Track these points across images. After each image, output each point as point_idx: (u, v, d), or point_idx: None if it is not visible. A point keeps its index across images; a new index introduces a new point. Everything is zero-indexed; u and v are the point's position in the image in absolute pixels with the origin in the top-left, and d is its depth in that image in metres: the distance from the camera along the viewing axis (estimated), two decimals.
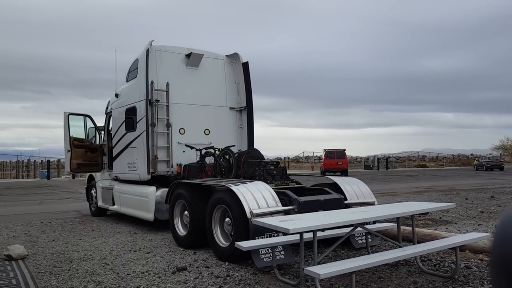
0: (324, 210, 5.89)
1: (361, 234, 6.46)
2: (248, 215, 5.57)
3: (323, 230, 4.60)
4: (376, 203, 7.09)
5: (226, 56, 9.90)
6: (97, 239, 7.80)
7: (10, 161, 45.43)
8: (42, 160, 43.08)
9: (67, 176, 32.64)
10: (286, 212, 5.85)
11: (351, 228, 5.16)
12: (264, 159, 7.95)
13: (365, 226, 5.51)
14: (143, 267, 5.78)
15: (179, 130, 9.05)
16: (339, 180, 7.25)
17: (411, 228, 5.58)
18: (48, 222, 9.89)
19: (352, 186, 7.07)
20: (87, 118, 11.20)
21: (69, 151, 10.53)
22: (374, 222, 6.45)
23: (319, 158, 49.81)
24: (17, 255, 6.19)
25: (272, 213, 5.70)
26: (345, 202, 6.65)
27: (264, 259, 5.35)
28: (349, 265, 4.19)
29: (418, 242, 5.54)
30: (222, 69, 9.75)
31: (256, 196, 5.85)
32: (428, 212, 9.44)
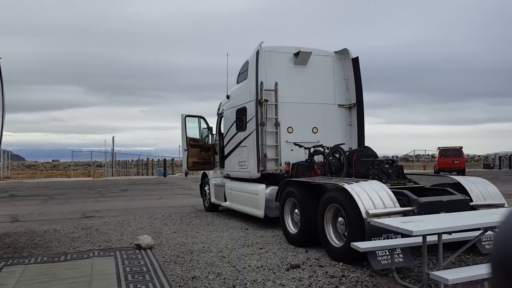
0: (446, 212, 5.47)
1: (488, 239, 5.88)
2: (364, 215, 5.40)
3: (449, 233, 4.27)
4: (506, 205, 6.40)
5: (335, 52, 9.73)
6: (212, 233, 8.21)
7: (132, 160, 50.18)
8: (158, 159, 46.79)
9: (180, 173, 34.99)
10: (405, 213, 5.56)
11: (480, 232, 4.72)
12: (378, 158, 7.66)
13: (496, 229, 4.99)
14: (258, 262, 5.94)
15: (287, 128, 9.13)
16: (463, 180, 6.69)
17: None
18: (169, 216, 10.70)
19: (478, 187, 6.47)
20: (201, 119, 11.86)
21: (186, 150, 11.26)
22: None
23: (432, 156, 46.63)
24: (145, 245, 6.79)
25: (389, 214, 5.45)
26: (471, 203, 6.11)
27: (382, 261, 5.13)
28: (481, 271, 3.83)
29: None
30: (331, 66, 9.61)
31: (371, 196, 5.66)
32: None
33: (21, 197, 17.12)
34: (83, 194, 17.90)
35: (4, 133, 6.22)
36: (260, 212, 8.59)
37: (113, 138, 39.27)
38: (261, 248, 6.81)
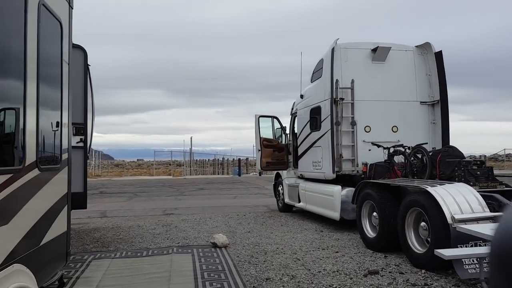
0: None
1: None
2: (449, 220, 5.02)
3: None
4: None
5: (416, 47, 9.20)
6: (286, 234, 8.15)
7: (208, 159, 51.74)
8: (233, 159, 47.76)
9: (255, 173, 35.43)
10: (495, 219, 5.06)
11: None
12: (465, 158, 7.10)
13: None
14: (333, 266, 5.77)
15: (365, 128, 8.80)
16: None
17: None
18: (243, 215, 10.83)
19: None
20: (274, 119, 11.87)
21: (259, 150, 11.33)
22: None
23: None
24: (220, 244, 6.91)
25: (477, 220, 5.02)
26: None
27: (469, 270, 4.73)
28: None
29: None
30: (412, 61, 9.10)
31: (457, 200, 5.24)
32: None
33: (109, 194, 18.37)
34: (164, 192, 18.77)
35: (94, 134, 6.68)
36: (335, 214, 8.38)
37: (191, 138, 40.86)
38: (337, 252, 6.61)
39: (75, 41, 6.59)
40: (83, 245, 7.27)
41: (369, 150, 8.61)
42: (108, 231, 8.59)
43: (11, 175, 2.76)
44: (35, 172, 3.14)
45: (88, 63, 7.39)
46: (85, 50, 6.15)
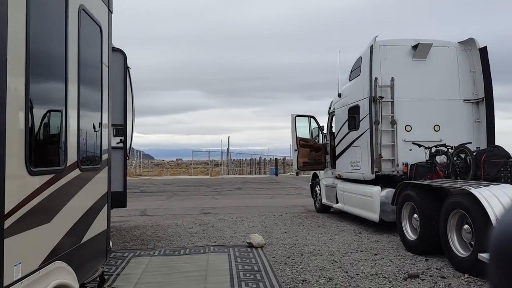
0: None
1: None
2: (494, 223, 4.77)
3: None
4: None
5: (459, 43, 8.85)
6: (323, 235, 8.04)
7: (245, 159, 52.02)
8: (270, 158, 47.77)
9: (292, 173, 35.31)
10: None
11: None
12: (511, 158, 6.75)
13: None
14: (372, 269, 5.63)
15: (405, 127, 8.55)
16: None
17: None
18: (280, 215, 10.79)
19: None
20: (311, 118, 11.77)
21: (296, 150, 11.26)
22: None
23: None
24: (256, 244, 6.90)
25: None
26: None
27: None
28: None
29: None
30: (454, 57, 8.76)
31: (503, 202, 5.00)
32: None
33: (149, 193, 18.83)
34: (202, 191, 19.03)
35: (135, 134, 6.86)
36: (374, 216, 8.21)
37: (228, 138, 41.19)
38: (375, 254, 6.46)
39: (116, 44, 6.78)
40: (124, 242, 7.47)
41: (410, 150, 8.37)
42: (148, 229, 8.79)
43: (54, 175, 2.86)
44: (76, 172, 3.25)
45: (129, 65, 7.59)
46: (125, 53, 6.31)
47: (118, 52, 6.14)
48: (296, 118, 11.44)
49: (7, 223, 2.24)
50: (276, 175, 34.75)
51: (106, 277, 5.00)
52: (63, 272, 2.93)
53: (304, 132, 11.76)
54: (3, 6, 2.22)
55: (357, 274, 5.37)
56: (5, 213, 2.23)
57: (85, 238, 3.49)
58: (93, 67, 3.83)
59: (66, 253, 3.05)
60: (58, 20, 3.03)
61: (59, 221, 2.95)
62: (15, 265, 2.31)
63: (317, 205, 11.80)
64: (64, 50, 3.09)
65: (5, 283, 2.22)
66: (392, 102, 8.49)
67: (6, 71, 2.25)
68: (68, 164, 3.09)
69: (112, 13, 4.39)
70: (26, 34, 2.46)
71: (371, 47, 8.47)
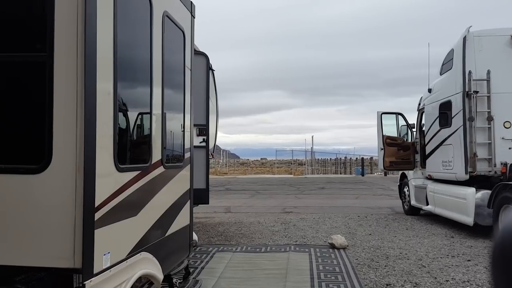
0: None
1: None
2: None
3: None
4: None
5: None
6: (411, 239, 7.65)
7: (330, 158, 51.28)
8: (356, 158, 46.55)
9: (379, 173, 34.08)
10: None
11: None
12: None
13: None
14: (464, 275, 5.23)
15: (504, 123, 7.82)
16: None
17: None
18: (364, 217, 10.46)
19: None
20: (399, 116, 11.27)
21: (382, 149, 10.85)
22: None
23: None
24: (339, 245, 6.77)
25: None
26: None
27: None
28: None
29: None
30: None
31: None
32: None
33: (234, 191, 19.38)
34: (284, 190, 19.13)
35: (222, 135, 7.14)
36: (468, 219, 7.63)
37: (312, 137, 41.05)
38: (468, 260, 5.99)
39: (202, 47, 7.08)
40: (209, 237, 7.77)
41: (510, 148, 7.65)
42: (231, 226, 9.05)
43: (139, 172, 3.07)
44: (160, 170, 3.44)
45: (213, 68, 7.87)
46: (207, 56, 6.56)
47: (201, 55, 6.40)
48: (382, 115, 11.03)
49: (97, 215, 2.45)
50: (363, 175, 33.80)
51: (191, 269, 5.24)
52: (149, 263, 3.13)
53: (391, 130, 11.30)
54: (92, 16, 2.43)
55: (447, 281, 5.02)
56: (96, 206, 2.44)
57: (169, 232, 3.69)
58: (176, 71, 4.03)
59: (152, 245, 3.25)
60: (143, 27, 3.24)
61: (145, 214, 3.16)
62: (104, 255, 2.51)
63: (405, 206, 11.27)
64: (149, 56, 3.29)
65: (95, 271, 2.42)
66: (489, 97, 7.83)
67: (96, 77, 2.45)
68: (152, 162, 3.29)
69: (194, 18, 4.58)
70: (113, 41, 2.66)
71: (464, 38, 7.90)
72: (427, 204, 9.67)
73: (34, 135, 2.50)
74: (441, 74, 9.21)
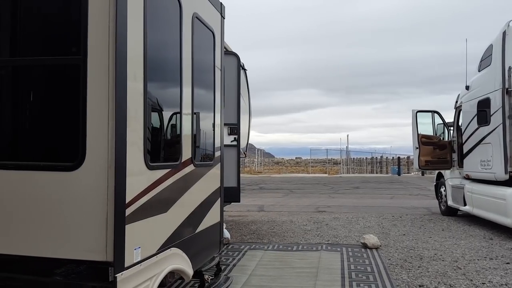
0: None
1: None
2: None
3: None
4: None
5: None
6: (447, 240, 7.44)
7: (365, 157, 50.45)
8: (393, 157, 45.58)
9: (416, 172, 33.27)
10: None
11: None
12: None
13: None
14: (502, 278, 5.06)
15: None
16: None
17: None
18: (399, 217, 10.25)
19: None
20: (435, 114, 10.98)
21: (417, 148, 10.60)
22: None
23: None
24: (371, 245, 6.68)
25: None
26: None
27: None
28: None
29: None
30: None
31: None
32: None
33: (267, 189, 19.44)
34: (318, 190, 19.01)
35: (256, 134, 7.22)
36: (508, 220, 7.38)
37: (347, 136, 40.51)
38: (507, 263, 5.77)
39: (237, 47, 7.15)
40: (241, 235, 7.85)
41: None
42: (264, 224, 9.09)
43: (169, 169, 3.16)
44: (190, 168, 3.53)
45: (245, 67, 7.93)
46: (238, 56, 6.62)
47: (231, 55, 6.47)
48: (418, 114, 10.77)
49: (128, 211, 2.56)
50: (399, 174, 33.10)
51: (222, 267, 5.32)
52: (179, 258, 3.22)
53: (427, 128, 11.02)
54: (123, 17, 2.53)
55: (483, 283, 4.87)
56: (126, 202, 2.54)
57: (199, 229, 3.78)
58: (206, 71, 4.11)
59: (182, 241, 3.34)
60: (173, 28, 3.33)
61: (175, 211, 3.25)
62: (135, 249, 2.61)
63: (442, 207, 10.96)
64: (179, 56, 3.38)
65: (126, 264, 2.53)
66: None
67: (126, 77, 2.55)
68: (182, 160, 3.38)
69: (224, 18, 4.65)
70: (144, 42, 2.76)
71: (504, 33, 7.61)
72: (465, 204, 9.38)
73: (69, 134, 2.64)
74: (479, 70, 8.92)
